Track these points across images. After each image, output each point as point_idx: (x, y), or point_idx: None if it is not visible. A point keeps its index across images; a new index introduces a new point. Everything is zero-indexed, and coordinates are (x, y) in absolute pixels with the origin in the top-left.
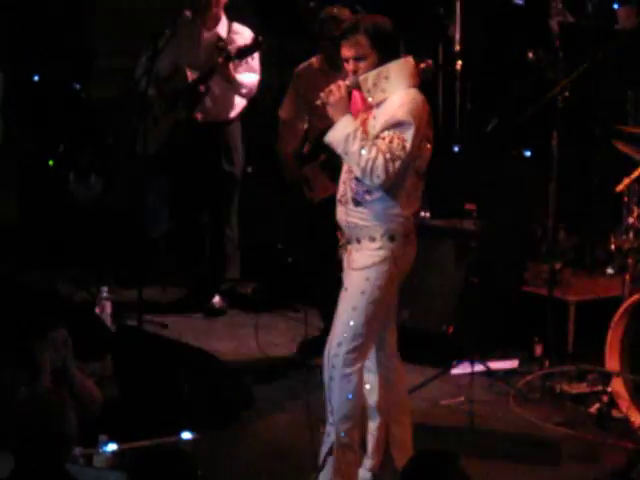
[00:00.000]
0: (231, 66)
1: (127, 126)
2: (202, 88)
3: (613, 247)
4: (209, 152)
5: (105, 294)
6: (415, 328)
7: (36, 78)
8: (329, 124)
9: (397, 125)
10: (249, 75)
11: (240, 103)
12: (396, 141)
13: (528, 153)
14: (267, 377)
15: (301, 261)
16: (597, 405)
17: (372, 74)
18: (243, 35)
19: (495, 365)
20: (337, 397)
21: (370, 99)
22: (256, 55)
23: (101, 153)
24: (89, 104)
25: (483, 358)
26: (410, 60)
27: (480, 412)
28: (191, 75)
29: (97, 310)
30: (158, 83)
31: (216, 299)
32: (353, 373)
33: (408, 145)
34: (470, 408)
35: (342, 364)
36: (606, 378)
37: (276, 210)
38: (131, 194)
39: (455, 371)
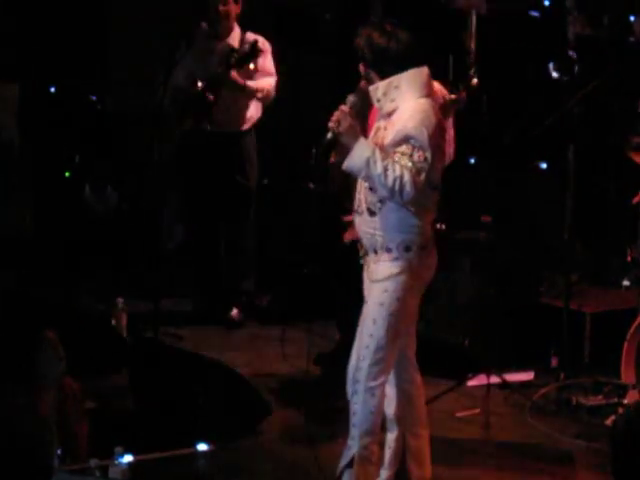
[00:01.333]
0: (235, 74)
1: (143, 138)
2: (211, 98)
3: (629, 259)
4: (222, 164)
5: (121, 305)
6: (431, 340)
7: (52, 89)
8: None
9: (411, 138)
10: (264, 78)
11: (255, 114)
12: (416, 154)
13: (544, 165)
14: (284, 389)
15: (318, 273)
16: (613, 417)
17: (383, 84)
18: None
19: (511, 377)
20: (360, 411)
21: (380, 109)
22: (269, 57)
23: (117, 164)
24: (105, 115)
25: (499, 370)
26: (424, 70)
27: (496, 424)
28: (201, 85)
29: (113, 322)
30: (174, 94)
31: (234, 311)
32: (377, 387)
33: (429, 155)
34: (486, 420)
35: (366, 378)
36: (622, 390)
37: (291, 222)
38: (147, 205)
39: (471, 383)
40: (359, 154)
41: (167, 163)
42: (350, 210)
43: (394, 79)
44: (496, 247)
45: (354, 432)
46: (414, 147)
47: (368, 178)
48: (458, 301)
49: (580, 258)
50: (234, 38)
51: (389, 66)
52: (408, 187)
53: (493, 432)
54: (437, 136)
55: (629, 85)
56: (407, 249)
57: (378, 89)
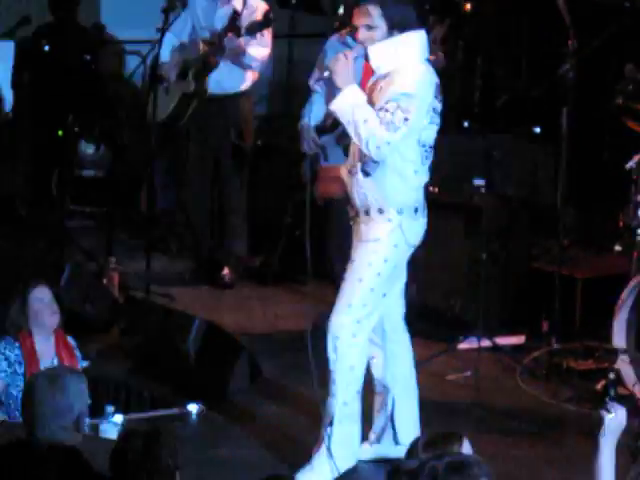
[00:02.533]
0: (242, 40)
1: (138, 96)
2: (213, 61)
3: (621, 224)
4: (219, 124)
5: (112, 265)
6: (422, 303)
7: (47, 48)
8: None
9: (401, 97)
10: (260, 49)
11: (250, 76)
12: (399, 113)
13: (538, 130)
14: (275, 350)
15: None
16: (603, 382)
17: (381, 45)
18: (258, 9)
19: (502, 341)
20: (340, 367)
21: (377, 70)
22: (269, 30)
23: (111, 124)
24: (99, 74)
25: (490, 334)
26: (422, 34)
27: (486, 388)
28: (203, 47)
29: (104, 281)
30: (172, 52)
31: (225, 271)
32: (357, 344)
33: (410, 117)
34: (476, 383)
35: (346, 335)
36: (613, 355)
37: (285, 183)
38: (140, 165)
39: (462, 346)
40: (347, 98)
41: (163, 123)
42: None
43: (393, 41)
44: (488, 211)
45: (333, 389)
46: (399, 107)
47: (348, 123)
48: (450, 265)
49: (572, 223)
50: (237, 1)
51: (405, 26)
52: (380, 141)
53: (483, 396)
54: (432, 98)
55: (624, 49)
56: (400, 211)
57: (377, 50)
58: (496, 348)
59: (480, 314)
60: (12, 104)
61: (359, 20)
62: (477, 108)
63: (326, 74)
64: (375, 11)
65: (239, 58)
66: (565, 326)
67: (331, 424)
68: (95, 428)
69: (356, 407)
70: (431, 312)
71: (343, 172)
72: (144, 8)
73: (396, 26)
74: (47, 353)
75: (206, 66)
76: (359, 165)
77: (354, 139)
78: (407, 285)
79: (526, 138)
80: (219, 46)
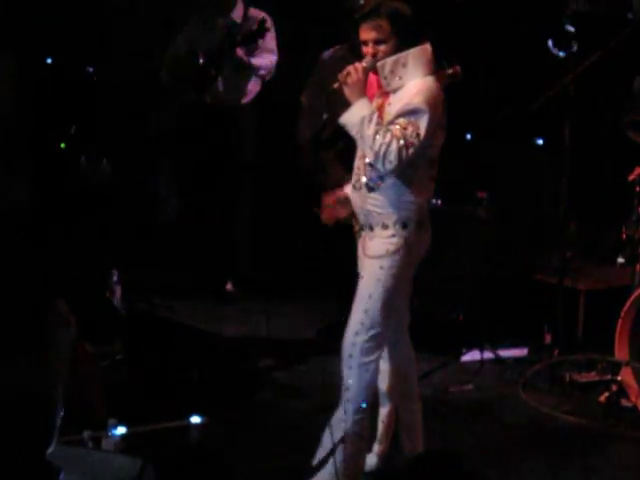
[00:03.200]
0: (240, 51)
1: (139, 109)
2: (213, 72)
3: (624, 236)
4: (219, 137)
5: (115, 278)
6: (425, 315)
7: (49, 61)
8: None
9: (412, 112)
10: (266, 56)
11: (254, 89)
12: (410, 128)
13: (540, 141)
14: (278, 362)
15: (315, 246)
16: (606, 394)
17: (390, 61)
18: (257, 20)
19: (505, 353)
20: (354, 386)
21: (387, 85)
22: (272, 35)
23: (113, 136)
24: (102, 87)
25: (493, 346)
26: (428, 47)
27: (489, 399)
28: (202, 59)
29: (107, 293)
30: (172, 66)
31: (229, 286)
32: (371, 362)
33: (422, 133)
34: (479, 395)
35: (360, 353)
36: (615, 367)
37: (288, 196)
38: (142, 177)
39: (465, 358)
40: (357, 111)
41: (165, 134)
42: (322, 184)
43: (402, 57)
44: (491, 223)
45: (348, 407)
46: (411, 122)
47: (359, 137)
48: (453, 277)
49: (575, 235)
50: (237, 13)
51: (414, 40)
52: (392, 156)
53: (486, 407)
54: (440, 113)
55: (627, 62)
56: (404, 226)
57: (385, 66)
58: (499, 360)
59: (483, 326)
60: (14, 116)
61: (369, 34)
62: (480, 120)
63: (336, 85)
64: (386, 25)
65: (241, 70)
66: (568, 338)
67: (342, 441)
68: (97, 441)
69: (366, 424)
70: (434, 324)
71: (348, 189)
72: (147, 20)
73: (408, 39)
74: None
75: (206, 78)
76: (363, 180)
77: (365, 153)
78: (410, 297)
79: (529, 150)
80: (219, 57)
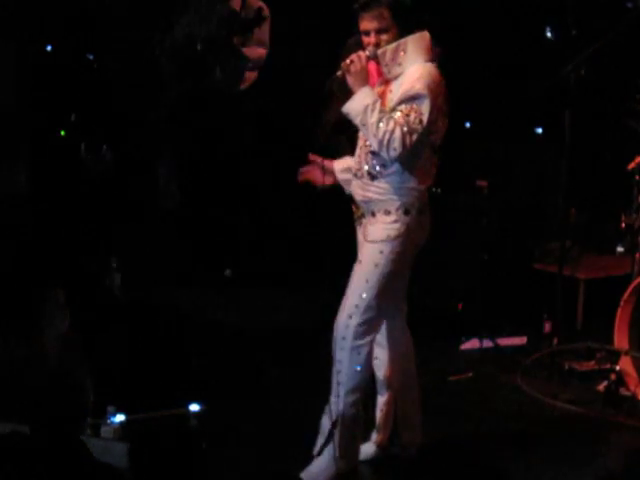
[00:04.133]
0: (236, 39)
1: (139, 96)
2: (210, 60)
3: (623, 225)
4: (218, 124)
5: (114, 265)
6: (425, 303)
7: (49, 48)
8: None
9: (414, 98)
10: (257, 49)
11: (251, 75)
12: (413, 114)
13: (540, 130)
14: (278, 351)
15: (314, 235)
16: (605, 383)
17: (390, 48)
18: (255, 9)
19: (504, 342)
20: (346, 369)
21: (387, 73)
22: (266, 27)
23: (113, 124)
24: (102, 74)
25: (492, 334)
26: (426, 34)
27: (488, 388)
28: (201, 46)
29: (107, 281)
30: (172, 53)
31: (227, 271)
32: (363, 345)
33: (425, 118)
34: (478, 384)
35: (353, 336)
36: (614, 356)
37: (288, 183)
38: (142, 165)
39: (464, 347)
40: (360, 99)
41: (164, 122)
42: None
43: (401, 43)
44: (491, 212)
45: (339, 390)
46: (413, 108)
47: (362, 125)
48: (452, 265)
49: (574, 224)
50: (236, 1)
51: (414, 28)
52: (396, 143)
53: (485, 396)
54: (441, 100)
55: (627, 51)
56: (406, 212)
57: (386, 54)
58: (498, 349)
59: (482, 315)
60: (14, 104)
61: (371, 24)
62: (480, 109)
63: (339, 73)
64: (387, 13)
65: (234, 59)
66: (567, 327)
67: (335, 425)
68: (96, 428)
69: (360, 408)
70: (433, 313)
71: (337, 167)
72: (147, 8)
73: (408, 27)
74: None
75: (205, 65)
76: (365, 168)
77: (369, 141)
78: (410, 285)
79: (529, 139)
80: (217, 45)
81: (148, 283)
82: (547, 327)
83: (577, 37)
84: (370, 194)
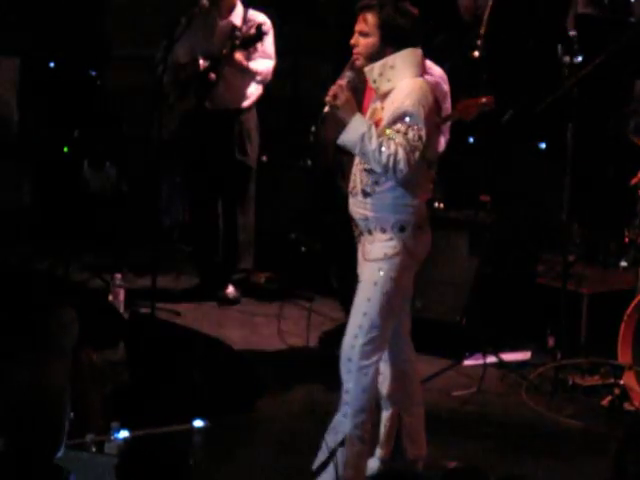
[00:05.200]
0: (239, 55)
1: (142, 113)
2: (213, 77)
3: (627, 240)
4: (222, 141)
5: (118, 281)
6: (428, 319)
7: (52, 65)
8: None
9: (406, 115)
10: (263, 61)
11: (255, 92)
12: (411, 132)
13: (543, 145)
14: (281, 366)
15: (319, 251)
16: (609, 398)
17: (378, 64)
18: (255, 25)
19: (507, 357)
20: (353, 390)
21: (377, 89)
22: (270, 40)
23: (116, 141)
24: (105, 91)
25: (495, 350)
26: (418, 51)
27: (492, 404)
28: (203, 63)
29: (110, 297)
30: (174, 70)
31: (230, 289)
32: (370, 366)
33: (423, 133)
34: (481, 399)
35: (359, 356)
36: (618, 371)
37: (291, 199)
38: (145, 182)
39: (467, 362)
40: (355, 129)
41: (167, 140)
42: (341, 188)
43: (389, 59)
44: (494, 227)
45: (347, 410)
46: (409, 125)
47: (362, 154)
48: (455, 280)
49: (578, 239)
50: (237, 16)
51: (399, 43)
52: (402, 164)
53: (489, 411)
54: (433, 114)
55: (629, 66)
56: (402, 229)
57: (374, 70)
58: (501, 364)
59: (485, 330)
60: (17, 120)
61: (358, 25)
62: (482, 123)
63: (326, 109)
64: (372, 19)
65: (241, 74)
66: (571, 342)
67: (342, 444)
68: (100, 444)
69: (368, 428)
70: (436, 328)
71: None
72: (150, 25)
73: (390, 40)
74: None
75: (206, 83)
76: (359, 186)
77: (373, 167)
78: (413, 301)
79: (531, 154)
80: (218, 62)
81: (151, 298)
82: (551, 342)
83: (580, 52)
84: (365, 212)
